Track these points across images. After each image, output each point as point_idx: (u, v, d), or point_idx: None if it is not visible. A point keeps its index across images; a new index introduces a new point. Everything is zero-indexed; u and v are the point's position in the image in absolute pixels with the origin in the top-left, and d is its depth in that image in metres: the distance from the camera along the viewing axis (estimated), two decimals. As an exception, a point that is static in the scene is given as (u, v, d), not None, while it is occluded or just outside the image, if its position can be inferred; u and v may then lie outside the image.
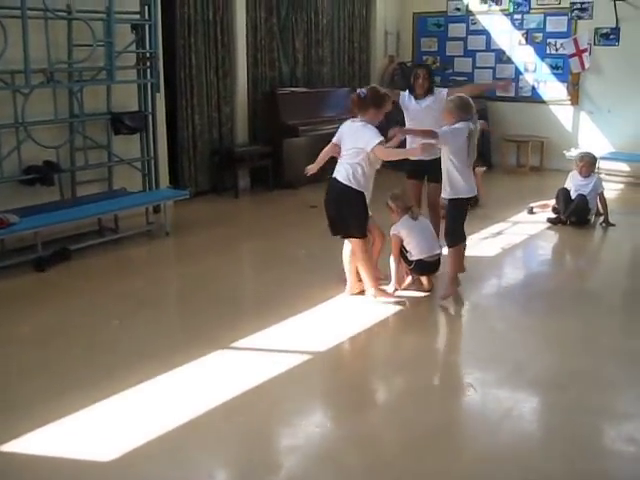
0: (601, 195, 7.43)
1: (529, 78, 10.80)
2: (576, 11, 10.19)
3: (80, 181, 7.10)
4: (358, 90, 4.98)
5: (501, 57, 10.98)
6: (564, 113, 10.59)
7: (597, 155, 8.07)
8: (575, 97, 10.45)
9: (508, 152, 10.76)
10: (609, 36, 9.99)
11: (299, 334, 4.64)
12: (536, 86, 10.77)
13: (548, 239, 7.22)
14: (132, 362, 4.19)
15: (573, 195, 7.36)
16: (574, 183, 7.49)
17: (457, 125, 4.98)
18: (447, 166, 5.06)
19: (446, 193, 5.13)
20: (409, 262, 5.31)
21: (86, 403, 3.67)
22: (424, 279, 5.42)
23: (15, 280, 5.63)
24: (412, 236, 5.27)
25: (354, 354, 4.62)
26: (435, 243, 5.40)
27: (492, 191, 8.60)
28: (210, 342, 4.45)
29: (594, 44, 10.10)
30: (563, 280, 6.00)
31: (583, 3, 10.10)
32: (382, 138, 4.82)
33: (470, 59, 11.29)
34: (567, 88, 10.50)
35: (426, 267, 5.33)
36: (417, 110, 5.86)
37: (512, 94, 10.68)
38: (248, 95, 9.27)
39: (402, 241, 5.27)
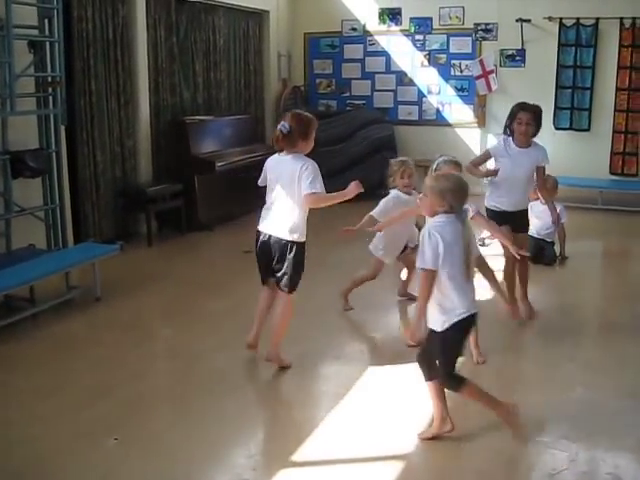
0: (562, 226, 6.92)
1: (433, 100, 10.41)
2: (480, 32, 9.96)
3: (-27, 240, 5.58)
4: (279, 125, 4.10)
5: (402, 79, 10.52)
6: (471, 136, 10.30)
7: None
8: (482, 119, 10.20)
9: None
10: (515, 57, 9.85)
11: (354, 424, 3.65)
12: (441, 109, 10.40)
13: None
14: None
15: (535, 230, 6.80)
16: (534, 212, 6.73)
17: (442, 219, 3.33)
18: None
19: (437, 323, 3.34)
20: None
21: None
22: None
23: None
24: None
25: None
26: None
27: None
28: (259, 460, 3.34)
29: (500, 65, 9.91)
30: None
31: (487, 24, 9.88)
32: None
33: (369, 81, 10.73)
34: (473, 110, 10.25)
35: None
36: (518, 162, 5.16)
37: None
38: (151, 125, 8.01)
39: None
